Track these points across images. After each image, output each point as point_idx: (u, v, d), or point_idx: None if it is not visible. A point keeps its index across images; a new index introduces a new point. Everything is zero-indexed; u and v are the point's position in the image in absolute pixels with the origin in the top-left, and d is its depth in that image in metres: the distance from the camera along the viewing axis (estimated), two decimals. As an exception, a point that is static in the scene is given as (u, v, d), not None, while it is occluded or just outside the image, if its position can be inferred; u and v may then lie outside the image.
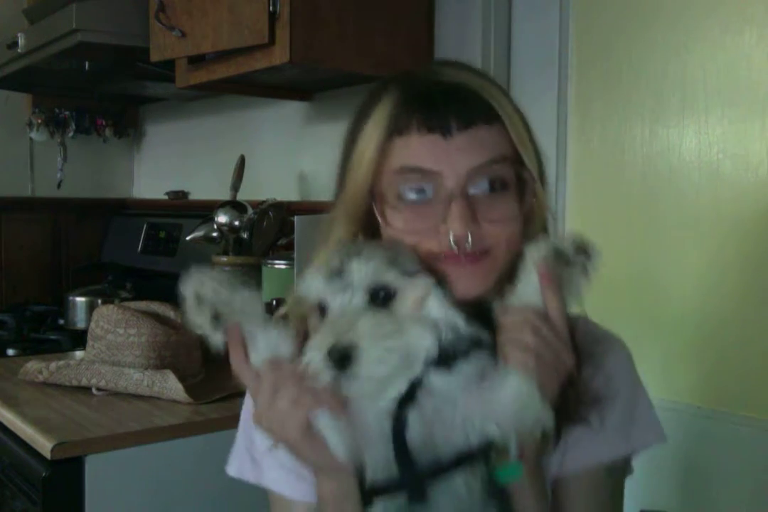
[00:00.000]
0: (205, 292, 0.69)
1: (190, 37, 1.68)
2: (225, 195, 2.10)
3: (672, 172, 1.30)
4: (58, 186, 2.74)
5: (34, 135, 2.68)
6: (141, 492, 1.23)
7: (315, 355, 0.65)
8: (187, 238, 2.16)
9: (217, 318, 0.69)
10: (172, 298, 2.11)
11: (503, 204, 0.75)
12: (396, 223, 0.76)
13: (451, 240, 0.72)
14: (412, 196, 0.75)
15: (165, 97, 2.63)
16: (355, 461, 0.68)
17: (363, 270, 0.68)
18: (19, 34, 2.09)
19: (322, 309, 0.70)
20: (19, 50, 2.10)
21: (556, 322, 0.69)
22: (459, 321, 0.69)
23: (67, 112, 2.71)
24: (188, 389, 1.35)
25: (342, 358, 0.64)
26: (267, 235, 1.95)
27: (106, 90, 2.56)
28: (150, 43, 1.80)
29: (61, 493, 1.18)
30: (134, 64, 2.08)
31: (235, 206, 2.01)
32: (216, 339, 0.69)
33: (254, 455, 0.87)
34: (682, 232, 1.29)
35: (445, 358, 0.68)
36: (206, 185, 2.53)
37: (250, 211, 1.99)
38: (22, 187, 2.73)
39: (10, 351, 1.92)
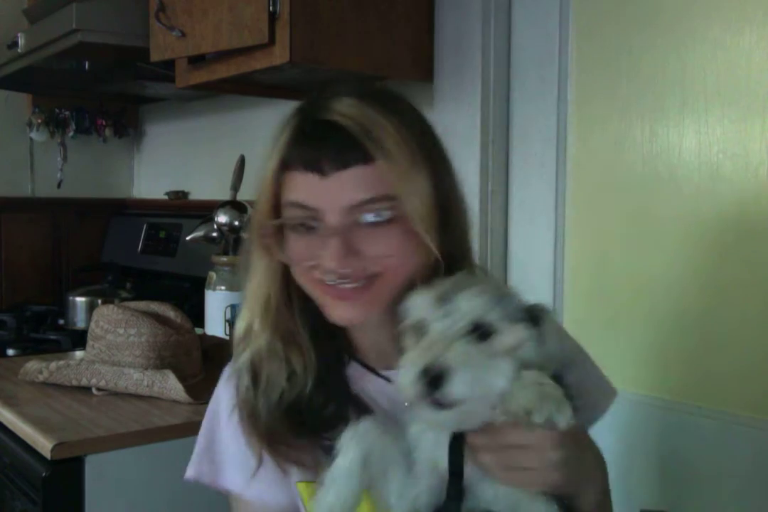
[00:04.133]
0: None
1: (190, 37, 1.68)
2: (225, 195, 2.10)
3: (672, 172, 1.30)
4: (58, 186, 2.74)
5: (34, 135, 2.68)
6: (141, 492, 1.23)
7: (408, 371, 0.68)
8: (187, 238, 2.16)
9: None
10: (172, 298, 2.10)
11: (384, 238, 0.79)
12: (288, 251, 0.82)
13: (326, 274, 0.79)
14: (299, 228, 0.80)
15: (165, 97, 2.63)
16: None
17: (471, 303, 0.71)
18: (19, 34, 2.09)
19: (419, 329, 0.73)
20: (19, 50, 2.10)
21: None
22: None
23: (67, 112, 2.71)
24: (188, 389, 1.35)
25: (434, 377, 0.66)
26: (267, 235, 1.95)
27: (106, 90, 2.56)
28: (150, 43, 1.80)
29: (61, 493, 1.18)
30: (134, 64, 2.08)
31: (235, 206, 2.01)
32: None
33: (214, 457, 0.92)
34: (682, 232, 1.29)
35: None
36: (206, 185, 2.53)
37: (250, 211, 1.99)
38: (22, 187, 2.73)
39: (10, 351, 1.92)
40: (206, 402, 1.35)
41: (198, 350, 1.50)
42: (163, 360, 1.41)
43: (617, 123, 1.38)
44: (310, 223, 0.80)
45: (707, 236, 1.27)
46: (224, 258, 1.93)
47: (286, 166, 0.80)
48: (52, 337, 2.09)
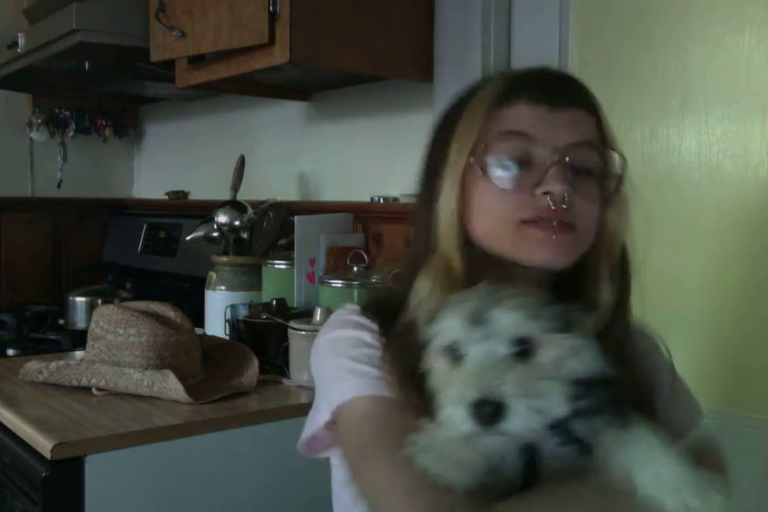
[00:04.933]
0: None
1: (190, 37, 1.68)
2: (225, 195, 2.10)
3: (672, 172, 1.30)
4: (58, 186, 2.74)
5: (34, 135, 2.68)
6: (141, 492, 1.23)
7: (458, 406, 0.64)
8: (187, 238, 2.16)
9: None
10: (172, 298, 2.10)
11: (590, 186, 0.79)
12: (492, 186, 0.78)
13: (549, 201, 0.76)
14: (512, 160, 0.78)
15: (165, 97, 2.63)
16: None
17: (508, 320, 0.67)
18: (19, 34, 2.09)
19: (454, 353, 0.68)
20: (19, 50, 2.10)
21: None
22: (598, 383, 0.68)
23: (67, 112, 2.71)
24: (188, 389, 1.35)
25: (488, 413, 0.63)
26: (267, 235, 1.95)
27: (106, 90, 2.57)
28: (150, 43, 1.80)
29: (61, 493, 1.18)
30: (134, 64, 2.08)
31: (235, 206, 2.01)
32: None
33: (325, 388, 0.84)
34: (682, 232, 1.29)
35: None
36: (206, 185, 2.53)
37: (250, 211, 1.99)
38: (22, 187, 2.73)
39: (10, 351, 1.92)
40: (206, 402, 1.36)
41: (198, 350, 1.50)
42: (163, 360, 1.41)
43: (617, 123, 1.38)
44: (525, 154, 0.77)
45: (707, 236, 1.27)
46: (224, 258, 1.93)
47: (507, 98, 0.79)
48: (52, 337, 2.09)
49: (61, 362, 1.45)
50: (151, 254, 2.58)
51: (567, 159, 0.77)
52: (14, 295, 2.65)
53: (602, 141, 0.82)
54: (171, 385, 1.36)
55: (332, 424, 0.82)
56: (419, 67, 1.66)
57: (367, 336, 0.81)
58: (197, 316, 1.82)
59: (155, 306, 1.52)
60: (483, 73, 1.55)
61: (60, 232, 2.79)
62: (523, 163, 0.78)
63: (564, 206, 0.76)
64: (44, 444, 1.17)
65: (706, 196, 1.26)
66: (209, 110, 2.53)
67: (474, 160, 0.78)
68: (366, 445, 0.75)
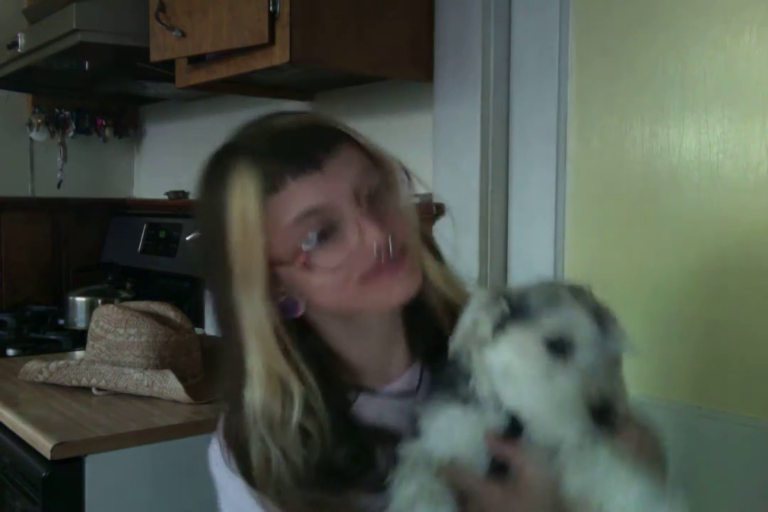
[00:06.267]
0: None
1: (190, 37, 1.68)
2: (225, 195, 2.10)
3: (672, 172, 1.30)
4: (58, 186, 2.74)
5: (34, 135, 2.67)
6: (141, 492, 1.23)
7: (569, 405, 0.67)
8: (187, 238, 2.16)
9: None
10: (172, 298, 2.10)
11: (389, 203, 0.79)
12: (321, 268, 0.76)
13: (375, 251, 0.75)
14: (320, 241, 0.75)
15: (165, 97, 2.63)
16: None
17: (622, 332, 0.75)
18: (19, 34, 2.09)
19: (557, 344, 0.71)
20: (19, 50, 2.10)
21: None
22: None
23: (67, 112, 2.71)
24: (188, 389, 1.35)
25: (601, 411, 0.67)
26: (267, 235, 1.95)
27: (106, 90, 2.56)
28: (150, 43, 1.80)
29: (61, 493, 1.18)
30: (134, 64, 2.08)
31: (235, 206, 2.01)
32: None
33: None
34: (681, 232, 1.29)
35: None
36: (206, 185, 2.53)
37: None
38: (22, 187, 2.72)
39: (10, 351, 1.92)
40: (206, 402, 1.35)
41: (198, 350, 1.50)
42: (163, 360, 1.42)
43: (617, 123, 1.38)
44: (328, 224, 0.75)
45: (707, 236, 1.27)
46: (224, 258, 1.92)
47: (273, 188, 0.74)
48: (52, 337, 2.09)
49: (61, 362, 1.45)
50: (151, 254, 2.58)
51: (362, 201, 0.76)
52: (14, 295, 2.65)
53: (372, 158, 0.81)
54: (171, 385, 1.36)
55: None
56: (419, 67, 1.66)
57: (237, 483, 0.85)
58: (197, 316, 1.82)
59: (155, 306, 1.52)
60: (483, 73, 1.55)
61: (60, 232, 2.79)
62: (330, 232, 0.76)
63: (390, 247, 0.76)
64: (44, 444, 1.17)
65: (706, 196, 1.26)
66: (209, 110, 2.53)
67: (285, 263, 0.76)
68: None
